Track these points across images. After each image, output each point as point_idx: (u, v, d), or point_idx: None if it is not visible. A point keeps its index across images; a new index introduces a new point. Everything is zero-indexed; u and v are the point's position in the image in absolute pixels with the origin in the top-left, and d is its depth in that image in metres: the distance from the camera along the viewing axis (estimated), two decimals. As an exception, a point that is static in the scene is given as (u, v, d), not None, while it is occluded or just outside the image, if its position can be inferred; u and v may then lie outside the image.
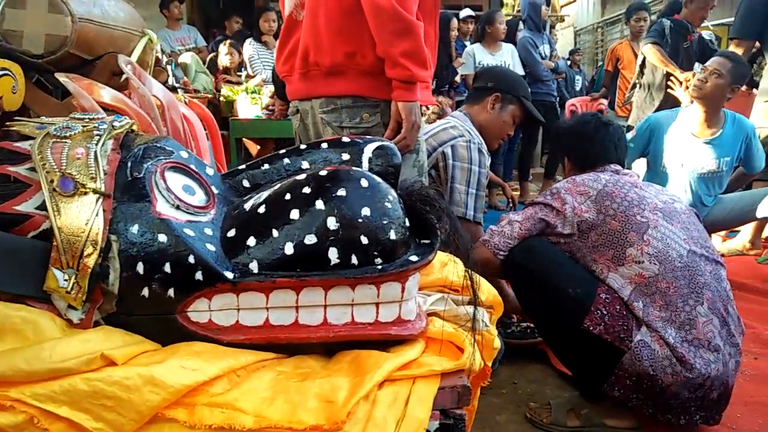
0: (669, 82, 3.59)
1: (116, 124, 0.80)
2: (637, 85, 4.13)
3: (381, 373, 0.67)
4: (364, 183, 0.72)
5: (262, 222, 0.72)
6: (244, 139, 4.14)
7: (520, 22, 4.84)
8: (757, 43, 3.30)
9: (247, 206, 0.75)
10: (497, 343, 0.90)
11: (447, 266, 0.90)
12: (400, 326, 0.74)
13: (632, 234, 1.55)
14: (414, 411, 0.66)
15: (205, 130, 2.49)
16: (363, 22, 1.50)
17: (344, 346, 0.74)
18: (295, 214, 0.70)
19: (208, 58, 5.12)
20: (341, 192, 0.70)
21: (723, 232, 3.29)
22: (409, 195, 0.76)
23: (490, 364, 0.90)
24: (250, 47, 4.70)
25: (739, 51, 3.17)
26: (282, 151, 0.87)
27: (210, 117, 2.62)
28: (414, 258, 0.72)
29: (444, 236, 0.74)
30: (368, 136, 0.90)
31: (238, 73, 4.58)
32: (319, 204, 0.70)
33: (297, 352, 0.74)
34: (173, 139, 0.80)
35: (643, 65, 4.02)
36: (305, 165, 0.84)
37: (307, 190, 0.71)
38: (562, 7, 11.36)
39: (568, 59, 7.91)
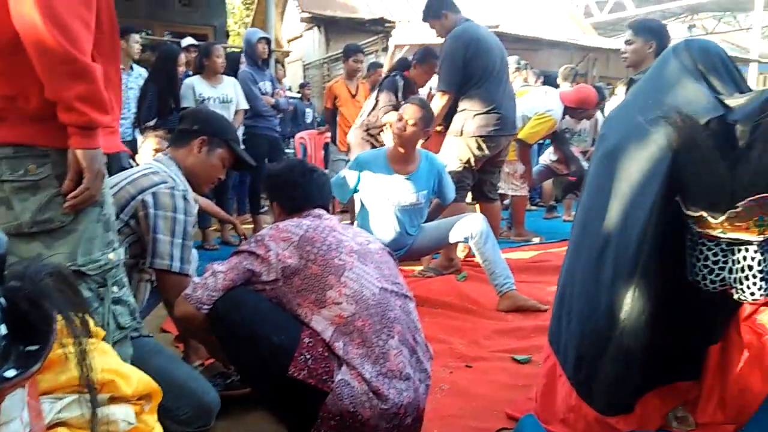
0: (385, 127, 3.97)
1: None
2: (357, 124, 4.46)
3: None
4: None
5: None
6: None
7: (242, 56, 4.83)
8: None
9: None
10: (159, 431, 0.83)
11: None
12: (-2, 456, 0.62)
13: (331, 277, 1.62)
14: None
15: None
16: (24, 61, 1.30)
17: None
18: None
19: None
20: None
21: (428, 257, 3.70)
22: (13, 292, 0.64)
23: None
24: None
25: (444, 100, 3.59)
26: None
27: None
28: (11, 373, 0.60)
29: (54, 339, 0.64)
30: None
31: None
32: None
33: None
34: None
35: (374, 108, 4.34)
36: None
37: None
38: (289, 41, 11.80)
39: (299, 92, 8.22)
